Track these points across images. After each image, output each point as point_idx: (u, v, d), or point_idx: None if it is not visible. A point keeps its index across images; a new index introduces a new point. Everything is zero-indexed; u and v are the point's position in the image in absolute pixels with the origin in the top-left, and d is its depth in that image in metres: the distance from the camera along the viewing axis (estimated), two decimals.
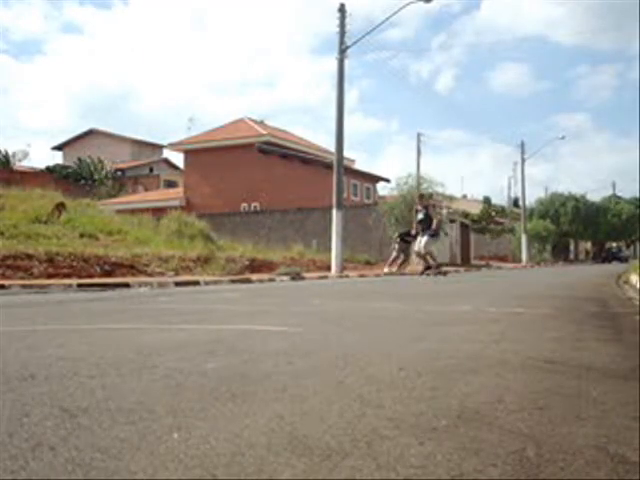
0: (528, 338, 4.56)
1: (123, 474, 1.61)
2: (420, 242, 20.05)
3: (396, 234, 23.85)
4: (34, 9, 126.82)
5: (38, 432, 1.96)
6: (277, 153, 42.24)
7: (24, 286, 11.59)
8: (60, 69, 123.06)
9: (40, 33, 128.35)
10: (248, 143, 42.86)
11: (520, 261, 48.03)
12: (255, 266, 19.55)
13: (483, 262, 41.27)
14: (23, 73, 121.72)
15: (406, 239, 22.63)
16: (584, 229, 66.43)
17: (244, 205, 42.58)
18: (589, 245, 78.58)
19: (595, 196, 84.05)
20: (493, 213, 63.08)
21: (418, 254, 20.43)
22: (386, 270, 21.88)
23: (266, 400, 2.41)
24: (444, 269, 20.98)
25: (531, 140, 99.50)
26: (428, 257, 20.05)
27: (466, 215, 49.72)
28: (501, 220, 60.35)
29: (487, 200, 68.33)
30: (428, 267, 19.74)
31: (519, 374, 3.04)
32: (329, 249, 22.49)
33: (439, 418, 2.16)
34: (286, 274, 17.47)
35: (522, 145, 52.02)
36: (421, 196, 22.79)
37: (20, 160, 56.56)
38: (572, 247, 72.41)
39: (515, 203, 62.25)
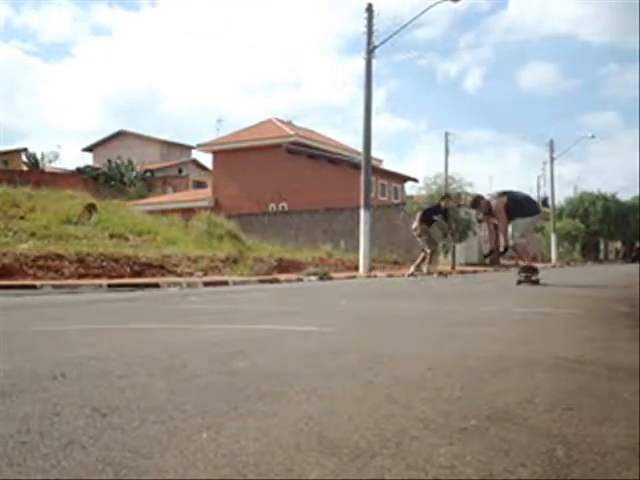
0: (558, 338, 4.53)
1: (153, 473, 1.62)
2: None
3: (415, 225, 18.96)
4: (63, 12, 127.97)
5: (69, 431, 1.98)
6: (305, 153, 42.30)
7: (55, 286, 11.71)
8: (89, 71, 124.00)
9: (69, 35, 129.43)
10: (276, 144, 42.96)
11: (549, 261, 47.65)
12: (283, 266, 19.57)
13: (512, 262, 40.98)
14: (53, 75, 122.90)
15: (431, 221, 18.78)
16: (614, 228, 65.72)
17: (272, 205, 42.67)
18: (619, 244, 77.76)
19: (625, 195, 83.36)
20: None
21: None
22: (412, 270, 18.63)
23: (295, 400, 2.42)
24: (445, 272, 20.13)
25: (560, 139, 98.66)
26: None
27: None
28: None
29: None
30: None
31: (549, 374, 3.02)
32: (357, 249, 22.44)
33: (468, 418, 2.16)
34: (314, 274, 17.47)
35: (551, 144, 51.59)
36: (447, 196, 20.47)
37: (51, 162, 57.05)
38: (602, 246, 71.72)
39: (544, 202, 61.68)
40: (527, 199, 13.43)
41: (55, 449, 1.80)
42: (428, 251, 18.32)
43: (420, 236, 18.58)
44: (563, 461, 1.75)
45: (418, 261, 18.67)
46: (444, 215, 19.00)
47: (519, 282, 12.08)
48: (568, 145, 53.22)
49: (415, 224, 18.67)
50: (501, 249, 12.99)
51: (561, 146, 52.45)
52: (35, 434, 1.94)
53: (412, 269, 18.65)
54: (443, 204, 19.05)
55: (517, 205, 12.41)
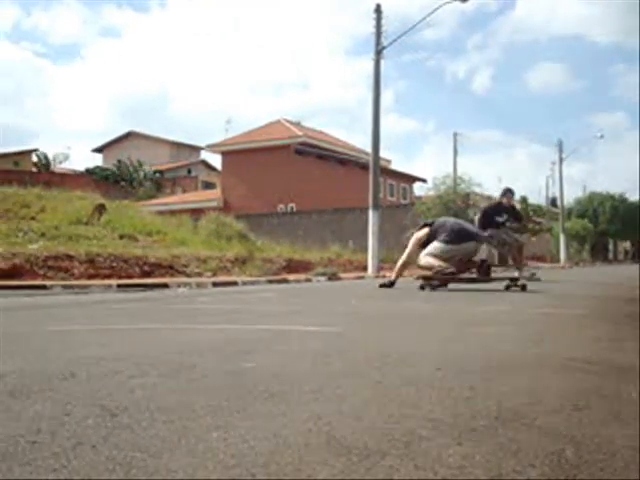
0: (566, 338, 4.52)
1: (163, 473, 1.63)
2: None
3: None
4: (72, 13, 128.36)
5: (79, 431, 1.99)
6: (313, 154, 42.33)
7: (65, 287, 11.75)
8: (99, 72, 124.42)
9: (78, 36, 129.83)
10: (285, 144, 43.03)
11: (558, 261, 47.53)
12: (292, 266, 19.58)
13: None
14: (62, 76, 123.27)
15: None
16: (623, 228, 65.55)
17: (281, 206, 42.69)
18: (628, 244, 77.55)
19: (634, 195, 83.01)
20: (531, 213, 62.49)
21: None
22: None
23: (304, 400, 2.42)
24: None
25: (569, 139, 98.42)
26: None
27: None
28: (539, 220, 59.81)
29: (525, 200, 67.64)
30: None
31: (558, 374, 3.02)
32: (365, 249, 22.43)
33: (477, 419, 2.16)
34: (323, 274, 17.47)
35: (560, 144, 51.50)
36: (508, 191, 15.74)
37: (61, 162, 57.33)
38: (611, 247, 71.54)
39: (553, 203, 61.53)
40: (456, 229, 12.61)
41: (65, 449, 1.81)
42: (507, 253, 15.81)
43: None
44: (572, 461, 1.75)
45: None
46: (512, 214, 15.49)
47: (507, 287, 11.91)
48: (577, 145, 53.20)
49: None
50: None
51: (570, 146, 52.41)
52: (45, 434, 1.95)
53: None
54: (505, 201, 15.47)
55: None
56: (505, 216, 15.11)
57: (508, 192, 15.74)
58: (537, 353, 3.71)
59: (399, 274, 12.94)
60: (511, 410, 2.29)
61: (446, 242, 12.31)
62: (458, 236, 12.38)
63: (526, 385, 2.76)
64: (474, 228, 13.54)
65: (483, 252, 13.88)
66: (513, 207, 15.93)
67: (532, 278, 15.05)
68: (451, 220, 13.46)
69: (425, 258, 12.34)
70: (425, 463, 1.71)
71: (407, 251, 13.04)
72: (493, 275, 13.00)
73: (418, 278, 12.92)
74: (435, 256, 12.25)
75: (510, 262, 15.31)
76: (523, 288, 11.25)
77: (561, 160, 51.68)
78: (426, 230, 12.76)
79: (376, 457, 1.75)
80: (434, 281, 12.07)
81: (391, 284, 12.43)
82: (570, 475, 1.65)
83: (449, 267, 12.07)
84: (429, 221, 13.43)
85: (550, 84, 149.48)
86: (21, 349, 3.86)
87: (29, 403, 2.35)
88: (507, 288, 11.56)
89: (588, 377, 2.97)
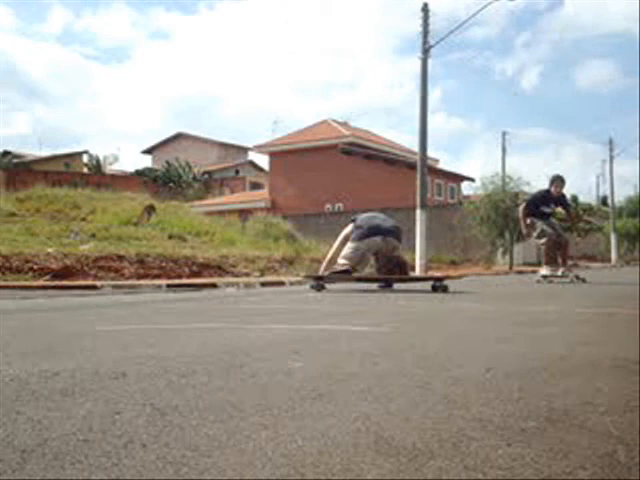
0: (619, 339, 4.45)
1: (212, 472, 1.64)
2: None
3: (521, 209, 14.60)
4: (122, 16, 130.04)
5: (130, 429, 2.01)
6: (361, 154, 42.30)
7: (115, 287, 11.90)
8: (148, 74, 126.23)
9: (128, 39, 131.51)
10: (332, 144, 43.07)
11: (609, 260, 46.83)
12: None
13: (571, 262, 40.41)
14: (112, 79, 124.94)
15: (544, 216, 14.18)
16: None
17: (328, 206, 42.75)
18: None
19: None
20: (581, 212, 61.70)
21: None
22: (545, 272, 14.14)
23: (352, 400, 2.42)
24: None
25: (619, 137, 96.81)
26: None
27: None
28: (589, 219, 59.02)
29: (575, 199, 66.83)
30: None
31: (609, 376, 2.97)
32: (413, 249, 22.34)
33: (527, 420, 2.13)
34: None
35: (610, 142, 50.77)
36: (557, 178, 14.10)
37: (111, 164, 58.09)
38: None
39: (604, 201, 60.71)
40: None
41: (116, 447, 1.83)
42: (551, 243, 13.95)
43: (529, 235, 15.13)
44: (624, 463, 1.72)
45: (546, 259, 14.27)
46: (561, 204, 14.47)
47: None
48: (627, 143, 52.40)
49: (521, 221, 14.63)
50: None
51: (620, 144, 51.64)
52: (97, 432, 1.98)
53: (545, 271, 14.10)
54: (553, 190, 14.06)
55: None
56: (552, 206, 14.14)
57: (557, 179, 14.12)
58: (589, 353, 3.65)
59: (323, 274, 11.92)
60: (562, 411, 2.26)
61: (355, 240, 11.58)
62: (367, 232, 11.59)
63: (577, 386, 2.72)
64: (389, 222, 12.22)
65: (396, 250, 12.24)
66: (563, 196, 14.53)
67: (576, 279, 13.72)
68: (370, 215, 12.47)
69: (340, 260, 11.59)
70: (474, 464, 1.70)
71: (332, 250, 12.26)
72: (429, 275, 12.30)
73: (305, 277, 12.46)
74: (345, 257, 11.52)
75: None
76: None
77: (612, 158, 50.98)
78: (351, 227, 12.00)
79: (425, 458, 1.74)
80: (323, 281, 11.36)
81: (319, 287, 11.25)
82: (621, 476, 1.62)
83: (345, 265, 11.34)
84: (354, 217, 12.40)
85: (599, 81, 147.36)
86: (72, 348, 3.92)
87: (81, 402, 2.39)
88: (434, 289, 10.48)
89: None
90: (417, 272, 20.90)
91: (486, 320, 5.91)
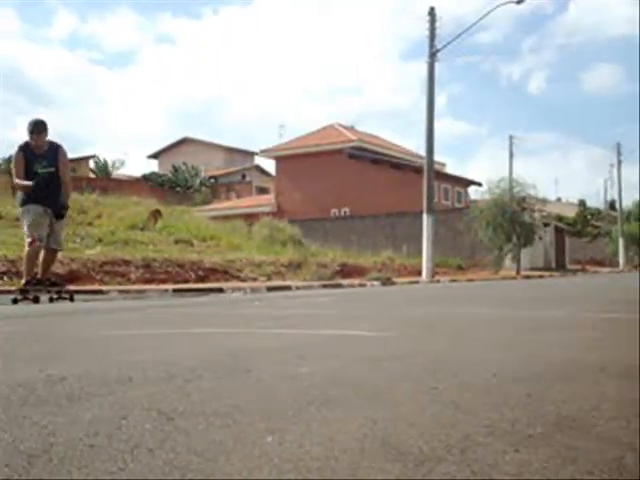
0: (626, 344, 4.43)
1: (218, 476, 1.63)
2: None
3: None
4: (127, 21, 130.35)
5: (136, 434, 2.01)
6: (367, 158, 42.25)
7: (121, 291, 11.91)
8: (154, 79, 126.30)
9: (134, 44, 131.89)
10: (338, 149, 43.01)
11: (617, 265, 46.72)
12: (346, 271, 19.59)
13: (579, 266, 40.37)
14: (118, 83, 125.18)
15: None
16: None
17: (334, 210, 42.71)
18: None
19: None
20: (589, 216, 61.59)
21: None
22: None
23: (359, 405, 2.41)
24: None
25: (627, 142, 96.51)
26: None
27: (560, 219, 48.74)
28: (597, 223, 58.89)
29: (582, 203, 66.74)
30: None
31: (617, 381, 2.96)
32: (419, 254, 22.31)
33: (534, 425, 2.12)
34: (377, 279, 17.45)
35: (618, 147, 50.72)
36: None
37: (117, 168, 58.12)
38: None
39: (612, 206, 60.57)
40: None
41: (122, 452, 1.83)
42: None
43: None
44: (631, 469, 1.71)
45: None
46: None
47: None
48: (635, 147, 52.36)
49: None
50: None
51: (628, 149, 51.57)
52: (103, 437, 1.98)
53: None
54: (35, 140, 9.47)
55: None
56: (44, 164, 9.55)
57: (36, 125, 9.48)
58: (596, 358, 3.64)
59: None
60: (569, 417, 2.25)
61: None
62: None
63: (584, 391, 2.71)
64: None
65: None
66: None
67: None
68: None
69: None
70: (481, 469, 1.69)
71: None
72: None
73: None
74: None
75: None
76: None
77: (619, 163, 50.92)
78: None
79: (432, 463, 1.74)
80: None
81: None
82: None
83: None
84: None
85: (607, 86, 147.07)
86: (79, 353, 3.93)
87: (87, 406, 2.39)
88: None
89: None
90: (424, 277, 20.87)
91: (493, 324, 5.89)
